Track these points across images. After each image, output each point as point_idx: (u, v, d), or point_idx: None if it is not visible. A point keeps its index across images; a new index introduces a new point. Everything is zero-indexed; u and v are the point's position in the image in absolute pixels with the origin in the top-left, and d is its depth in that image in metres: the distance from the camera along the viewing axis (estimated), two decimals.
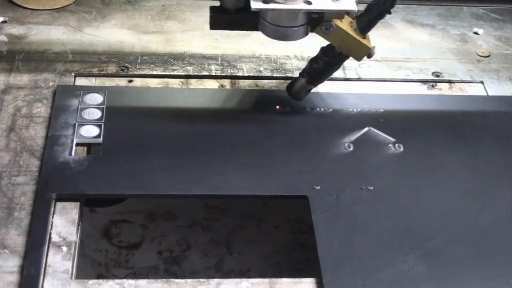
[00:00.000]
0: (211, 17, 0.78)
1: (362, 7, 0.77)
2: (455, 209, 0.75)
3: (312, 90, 0.85)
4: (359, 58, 0.79)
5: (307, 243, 1.00)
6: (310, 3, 0.75)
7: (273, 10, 0.74)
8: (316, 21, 0.77)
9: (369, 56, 0.79)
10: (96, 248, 0.98)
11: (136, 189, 0.73)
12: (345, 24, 0.77)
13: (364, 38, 0.77)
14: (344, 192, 0.75)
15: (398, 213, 0.74)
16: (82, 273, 0.75)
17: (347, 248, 0.70)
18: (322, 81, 0.83)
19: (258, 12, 0.76)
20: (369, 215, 0.73)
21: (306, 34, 0.78)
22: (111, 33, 0.95)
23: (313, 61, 0.82)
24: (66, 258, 0.67)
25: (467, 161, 0.80)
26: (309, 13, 0.76)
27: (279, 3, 0.74)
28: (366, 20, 0.76)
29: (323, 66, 0.81)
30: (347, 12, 0.76)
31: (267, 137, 0.81)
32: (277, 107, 0.84)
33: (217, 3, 0.78)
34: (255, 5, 0.74)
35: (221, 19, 0.78)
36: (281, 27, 0.77)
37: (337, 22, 0.76)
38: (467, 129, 0.85)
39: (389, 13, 0.76)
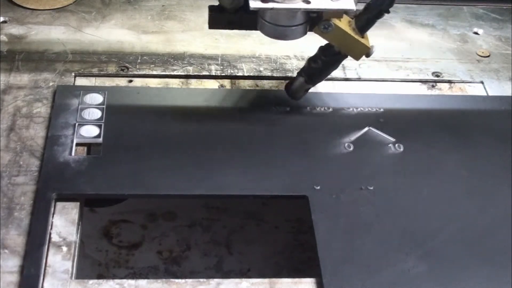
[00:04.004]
0: (210, 16, 0.78)
1: (361, 6, 0.77)
2: (455, 209, 0.75)
3: (312, 90, 0.85)
4: (357, 57, 0.79)
5: (307, 243, 1.00)
6: (308, 2, 0.75)
7: (271, 9, 0.74)
8: (315, 20, 0.77)
9: (368, 55, 0.78)
10: (96, 248, 0.98)
11: (136, 189, 0.73)
12: (343, 23, 0.76)
13: (363, 37, 0.77)
14: (344, 192, 0.75)
15: (398, 213, 0.74)
16: (82, 273, 0.75)
17: (347, 248, 0.70)
18: (320, 81, 0.83)
19: (257, 11, 0.76)
20: (369, 215, 0.73)
21: (305, 33, 0.78)
22: (111, 33, 0.95)
23: (311, 60, 0.81)
24: (66, 258, 0.67)
25: (467, 161, 0.80)
26: (307, 12, 0.76)
27: (277, 2, 0.74)
28: (365, 19, 0.76)
29: (321, 65, 0.81)
30: (346, 11, 0.76)
31: (267, 137, 0.81)
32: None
33: (217, 3, 0.78)
34: (254, 4, 0.74)
35: (220, 18, 0.78)
36: (279, 26, 0.77)
37: (335, 21, 0.76)
38: (467, 129, 0.85)
39: (388, 12, 0.75)
